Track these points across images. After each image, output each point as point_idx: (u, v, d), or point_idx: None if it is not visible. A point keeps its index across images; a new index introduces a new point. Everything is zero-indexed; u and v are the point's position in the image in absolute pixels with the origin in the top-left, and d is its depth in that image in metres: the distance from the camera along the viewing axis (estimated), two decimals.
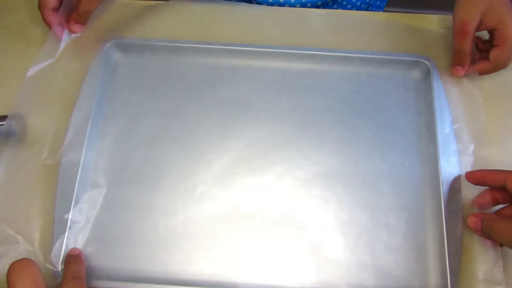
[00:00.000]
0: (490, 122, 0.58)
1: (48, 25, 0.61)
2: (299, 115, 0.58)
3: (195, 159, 0.56)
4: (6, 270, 0.41)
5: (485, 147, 0.55)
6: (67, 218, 0.51)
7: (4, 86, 0.61)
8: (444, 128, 0.56)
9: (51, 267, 0.50)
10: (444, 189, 0.53)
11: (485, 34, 0.61)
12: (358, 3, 0.76)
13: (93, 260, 0.51)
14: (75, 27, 0.61)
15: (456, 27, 0.57)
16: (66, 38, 0.61)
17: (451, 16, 0.60)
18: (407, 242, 0.51)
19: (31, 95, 0.59)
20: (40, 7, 0.60)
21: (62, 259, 0.50)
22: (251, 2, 0.72)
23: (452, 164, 0.54)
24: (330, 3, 0.74)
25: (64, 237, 0.51)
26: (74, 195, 0.53)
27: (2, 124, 0.56)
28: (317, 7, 0.73)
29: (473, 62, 0.58)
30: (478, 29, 0.56)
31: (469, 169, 0.54)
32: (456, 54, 0.57)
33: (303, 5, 0.72)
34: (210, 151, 0.56)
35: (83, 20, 0.61)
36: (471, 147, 0.55)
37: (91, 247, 0.52)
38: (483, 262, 0.50)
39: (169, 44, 0.62)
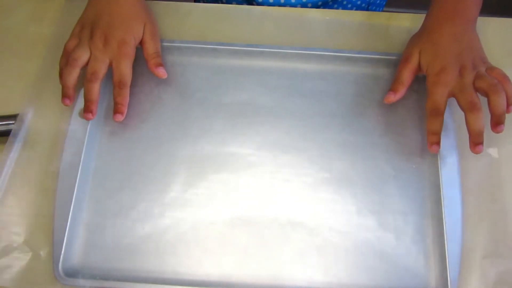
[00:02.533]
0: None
1: (66, 86, 0.55)
2: (305, 120, 0.58)
3: (202, 164, 0.55)
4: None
5: (488, 147, 0.56)
6: (67, 223, 0.51)
7: (4, 86, 0.60)
8: (446, 129, 0.56)
9: (55, 275, 0.50)
10: (444, 191, 0.53)
11: None
12: (359, 2, 0.76)
13: (101, 263, 0.51)
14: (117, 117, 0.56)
15: (402, 56, 0.58)
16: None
17: None
18: (414, 245, 0.52)
19: (32, 95, 0.58)
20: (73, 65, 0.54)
21: (63, 263, 0.50)
22: (252, 3, 0.72)
23: (453, 165, 0.55)
24: (330, 3, 0.74)
25: (63, 243, 0.51)
26: (74, 199, 0.52)
27: (13, 123, 0.55)
28: (318, 7, 0.73)
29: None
30: (422, 70, 0.57)
31: (470, 170, 0.55)
32: (394, 79, 0.57)
33: (304, 6, 0.71)
34: (217, 157, 0.56)
35: (122, 110, 0.56)
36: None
37: (99, 252, 0.51)
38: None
39: (171, 44, 0.61)
